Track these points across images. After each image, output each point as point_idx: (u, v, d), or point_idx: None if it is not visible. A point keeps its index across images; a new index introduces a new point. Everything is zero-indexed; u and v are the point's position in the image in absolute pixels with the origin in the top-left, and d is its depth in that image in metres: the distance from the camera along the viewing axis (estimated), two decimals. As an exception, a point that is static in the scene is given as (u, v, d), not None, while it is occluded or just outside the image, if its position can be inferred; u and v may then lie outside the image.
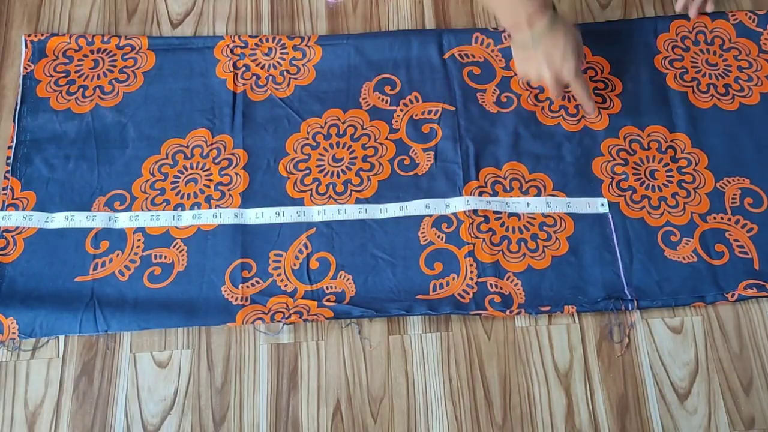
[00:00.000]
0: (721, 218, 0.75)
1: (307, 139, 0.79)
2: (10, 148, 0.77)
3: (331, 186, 0.77)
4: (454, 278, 0.72)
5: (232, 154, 0.78)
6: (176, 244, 0.73)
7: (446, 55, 0.83)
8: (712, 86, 0.82)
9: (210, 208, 0.75)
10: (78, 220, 0.74)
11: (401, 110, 0.81)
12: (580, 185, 0.77)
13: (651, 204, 0.75)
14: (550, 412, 0.68)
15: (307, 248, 0.73)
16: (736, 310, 0.72)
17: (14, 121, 0.79)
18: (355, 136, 0.79)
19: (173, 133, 0.79)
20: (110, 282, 0.71)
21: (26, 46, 0.82)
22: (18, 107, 0.79)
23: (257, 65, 0.83)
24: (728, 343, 0.71)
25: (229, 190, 0.76)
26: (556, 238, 0.74)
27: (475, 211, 0.74)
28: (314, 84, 0.82)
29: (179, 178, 0.77)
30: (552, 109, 0.80)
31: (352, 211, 0.75)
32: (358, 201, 0.76)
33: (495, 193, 0.76)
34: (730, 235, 0.74)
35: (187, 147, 0.78)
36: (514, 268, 0.72)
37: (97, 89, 0.81)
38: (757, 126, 0.80)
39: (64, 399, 0.68)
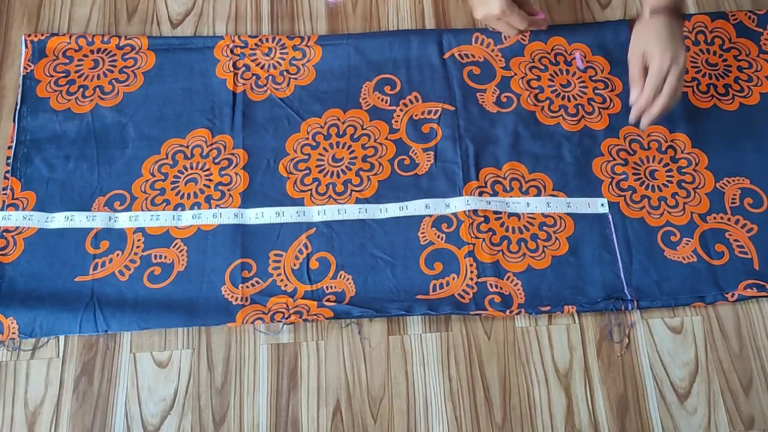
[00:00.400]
0: (721, 218, 0.75)
1: (307, 139, 0.79)
2: (10, 148, 0.77)
3: (331, 186, 0.77)
4: (454, 278, 0.72)
5: (232, 154, 0.78)
6: (176, 244, 0.73)
7: (446, 55, 0.83)
8: (712, 86, 0.82)
9: (210, 208, 0.75)
10: (78, 220, 0.74)
11: (401, 110, 0.81)
12: (580, 185, 0.77)
13: (651, 204, 0.75)
14: (550, 412, 0.68)
15: (307, 248, 0.73)
16: (736, 310, 0.72)
17: (14, 121, 0.79)
18: (355, 136, 0.79)
19: (173, 133, 0.79)
20: (110, 282, 0.71)
21: (26, 46, 0.82)
22: (18, 107, 0.79)
23: (257, 65, 0.83)
24: (728, 343, 0.71)
25: (229, 190, 0.76)
26: (556, 239, 0.74)
27: (475, 211, 0.74)
28: (314, 84, 0.82)
29: (179, 178, 0.77)
30: (552, 109, 0.80)
31: (352, 211, 0.75)
32: (358, 201, 0.76)
33: (495, 193, 0.76)
34: (730, 235, 0.74)
35: (187, 147, 0.78)
36: (514, 268, 0.72)
37: (97, 89, 0.81)
38: (757, 126, 0.80)
39: (64, 399, 0.68)
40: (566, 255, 0.73)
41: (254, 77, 0.82)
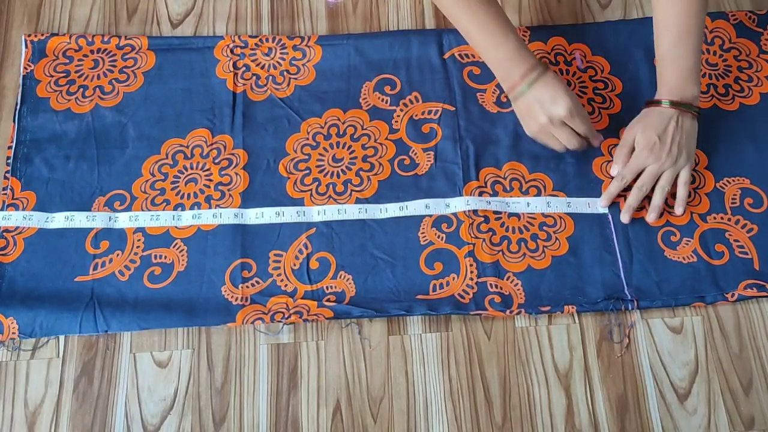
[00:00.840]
0: (721, 218, 0.75)
1: (307, 139, 0.79)
2: (10, 148, 0.77)
3: (331, 186, 0.77)
4: (454, 278, 0.72)
5: (232, 154, 0.78)
6: (176, 244, 0.73)
7: (446, 55, 0.83)
8: (712, 86, 0.82)
9: (210, 208, 0.75)
10: (78, 220, 0.74)
11: (401, 110, 0.81)
12: (580, 185, 0.77)
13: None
14: (550, 412, 0.68)
15: (307, 248, 0.73)
16: (736, 310, 0.72)
17: (14, 121, 0.79)
18: (355, 136, 0.79)
19: (173, 133, 0.79)
20: (110, 282, 0.71)
21: (26, 46, 0.82)
22: (18, 107, 0.79)
23: (257, 65, 0.83)
24: (728, 343, 0.71)
25: (229, 190, 0.76)
26: (556, 238, 0.74)
27: (475, 211, 0.74)
28: (314, 84, 0.82)
29: (179, 178, 0.77)
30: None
31: (352, 211, 0.75)
32: (358, 201, 0.76)
33: (495, 193, 0.76)
34: (730, 235, 0.74)
35: (187, 147, 0.78)
36: (514, 268, 0.72)
37: (97, 89, 0.81)
38: (757, 126, 0.80)
39: (64, 399, 0.68)
40: (566, 255, 0.73)
41: (254, 77, 0.82)
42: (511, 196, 0.76)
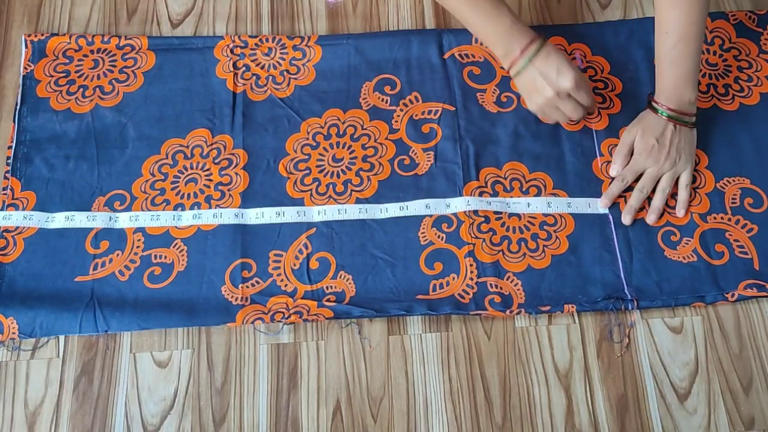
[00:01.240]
0: (721, 218, 0.75)
1: (307, 139, 0.79)
2: (10, 148, 0.77)
3: (331, 186, 0.77)
4: (454, 278, 0.72)
5: (232, 154, 0.78)
6: (176, 244, 0.73)
7: (446, 55, 0.83)
8: (712, 86, 0.82)
9: (210, 208, 0.75)
10: (78, 220, 0.74)
11: (401, 110, 0.81)
12: (580, 185, 0.77)
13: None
14: (550, 412, 0.68)
15: (307, 248, 0.73)
16: (736, 310, 0.72)
17: (14, 121, 0.79)
18: (355, 136, 0.79)
19: (173, 133, 0.79)
20: (110, 282, 0.71)
21: (26, 46, 0.82)
22: (18, 107, 0.79)
23: (257, 65, 0.83)
24: (728, 343, 0.71)
25: (229, 190, 0.76)
26: (557, 237, 0.74)
27: (475, 212, 0.74)
28: (314, 84, 0.82)
29: (179, 178, 0.77)
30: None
31: (352, 211, 0.75)
32: (358, 201, 0.76)
33: (495, 193, 0.76)
34: (730, 235, 0.74)
35: (187, 147, 0.78)
36: (514, 268, 0.72)
37: (97, 89, 0.81)
38: (757, 126, 0.80)
39: (64, 399, 0.68)
40: (566, 254, 0.73)
41: (254, 77, 0.82)
42: (511, 196, 0.76)
